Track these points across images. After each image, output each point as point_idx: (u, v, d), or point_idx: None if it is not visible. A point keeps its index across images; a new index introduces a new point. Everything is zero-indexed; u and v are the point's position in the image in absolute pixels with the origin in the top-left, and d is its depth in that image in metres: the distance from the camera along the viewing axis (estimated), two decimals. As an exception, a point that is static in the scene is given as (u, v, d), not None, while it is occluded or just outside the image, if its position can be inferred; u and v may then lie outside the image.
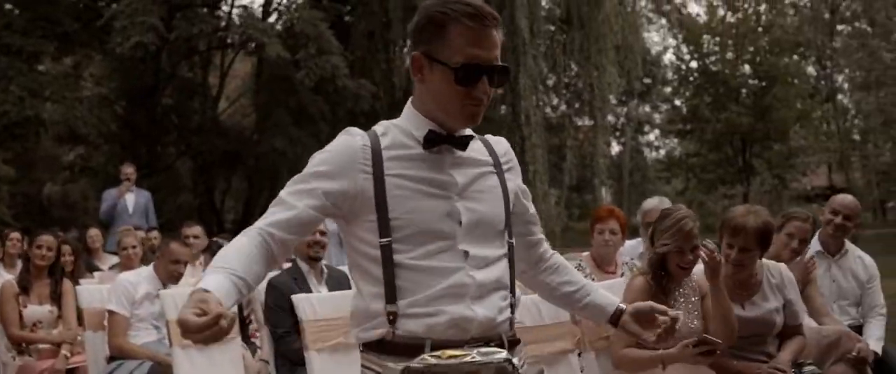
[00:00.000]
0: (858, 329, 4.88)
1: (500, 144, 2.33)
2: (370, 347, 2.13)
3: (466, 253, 2.12)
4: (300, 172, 2.15)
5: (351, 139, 2.14)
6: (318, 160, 2.14)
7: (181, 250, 5.62)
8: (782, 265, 4.12)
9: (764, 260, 4.03)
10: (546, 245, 2.45)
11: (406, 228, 2.09)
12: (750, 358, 3.90)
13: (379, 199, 2.08)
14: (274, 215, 2.10)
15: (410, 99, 2.23)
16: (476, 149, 2.24)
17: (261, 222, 2.09)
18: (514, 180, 2.32)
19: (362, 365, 2.15)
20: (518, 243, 2.32)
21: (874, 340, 4.74)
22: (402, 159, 2.12)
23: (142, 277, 5.50)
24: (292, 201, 2.11)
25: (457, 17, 2.07)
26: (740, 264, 3.88)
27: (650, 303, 2.30)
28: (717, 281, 3.68)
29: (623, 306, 2.36)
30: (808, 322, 4.41)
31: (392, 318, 2.08)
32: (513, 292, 2.23)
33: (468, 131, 2.22)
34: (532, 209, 2.41)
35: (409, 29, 2.19)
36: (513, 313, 2.22)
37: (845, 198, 5.30)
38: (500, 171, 2.27)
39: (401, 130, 2.17)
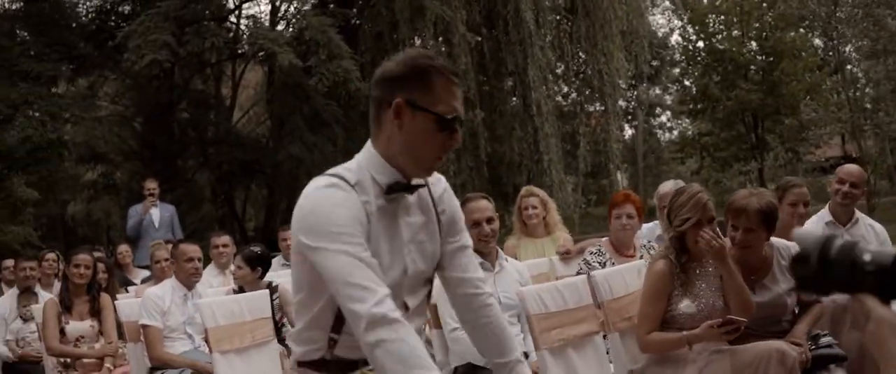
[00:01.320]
0: (874, 297, 5.01)
1: (439, 184, 2.48)
2: (307, 364, 2.38)
3: (406, 305, 2.34)
4: (322, 226, 2.19)
5: (350, 196, 2.22)
6: (338, 221, 2.18)
7: (191, 248, 5.86)
8: (792, 245, 4.20)
9: (774, 240, 4.10)
10: (483, 291, 2.55)
11: None
12: (766, 336, 4.01)
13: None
14: (370, 279, 2.16)
15: (370, 142, 2.34)
16: (421, 193, 2.40)
17: (380, 304, 2.13)
18: (449, 214, 2.47)
19: None
20: (453, 285, 2.51)
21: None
22: (374, 211, 2.26)
23: (166, 288, 5.75)
24: (365, 257, 2.19)
25: (438, 71, 2.25)
26: (746, 245, 3.96)
27: None
28: (724, 263, 3.80)
29: None
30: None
31: (332, 344, 2.32)
32: None
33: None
34: (465, 241, 2.53)
35: (384, 76, 2.30)
36: None
37: (851, 167, 5.45)
38: (437, 214, 2.43)
39: (367, 177, 2.28)
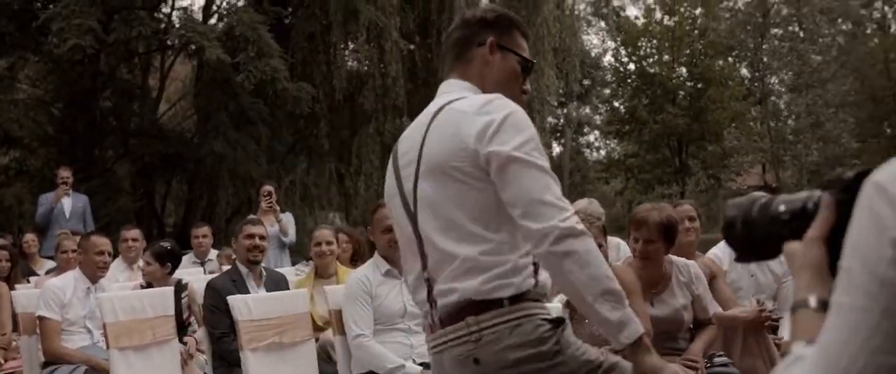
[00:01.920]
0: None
1: None
2: (521, 297, 2.25)
3: None
4: (521, 137, 2.20)
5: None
6: (534, 135, 2.25)
7: (102, 240, 5.65)
8: (691, 263, 4.29)
9: (672, 257, 4.20)
10: None
11: None
12: (661, 353, 4.06)
13: None
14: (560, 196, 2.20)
15: (458, 79, 2.46)
16: None
17: (569, 218, 2.15)
18: None
19: (517, 318, 2.23)
20: None
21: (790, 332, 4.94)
22: None
23: (68, 280, 5.52)
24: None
25: (519, 25, 2.54)
26: (646, 256, 4.05)
27: None
28: None
29: None
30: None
31: (535, 269, 2.28)
32: None
33: None
34: None
35: (473, 19, 2.50)
36: None
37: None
38: None
39: None
